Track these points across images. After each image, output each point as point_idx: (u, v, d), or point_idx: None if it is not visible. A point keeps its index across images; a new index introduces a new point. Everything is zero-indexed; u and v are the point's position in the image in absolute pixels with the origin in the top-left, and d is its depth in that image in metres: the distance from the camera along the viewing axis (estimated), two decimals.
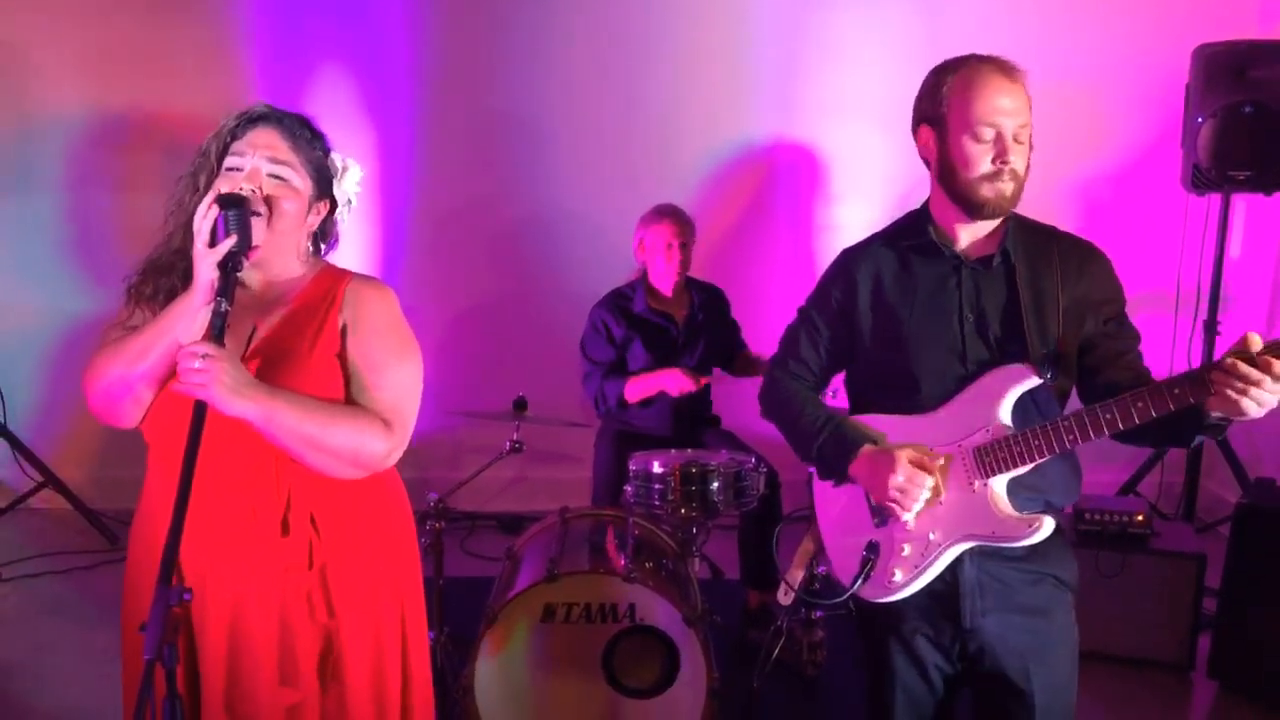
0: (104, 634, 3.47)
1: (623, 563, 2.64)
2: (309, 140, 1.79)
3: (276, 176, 1.73)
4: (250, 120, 1.75)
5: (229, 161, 1.73)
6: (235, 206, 1.62)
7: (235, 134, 1.74)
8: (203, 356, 1.53)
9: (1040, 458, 1.77)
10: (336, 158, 1.86)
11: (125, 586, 1.79)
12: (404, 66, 4.64)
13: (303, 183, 1.77)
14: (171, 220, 1.78)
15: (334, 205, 1.88)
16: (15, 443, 4.45)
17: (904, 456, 1.83)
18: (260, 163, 1.72)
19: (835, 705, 3.17)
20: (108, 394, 1.69)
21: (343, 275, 1.85)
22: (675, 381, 3.54)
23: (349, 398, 1.75)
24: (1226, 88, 3.91)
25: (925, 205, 1.94)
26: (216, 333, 1.57)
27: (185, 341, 1.61)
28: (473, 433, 4.54)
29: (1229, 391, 1.55)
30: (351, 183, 1.89)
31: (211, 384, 1.52)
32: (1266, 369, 1.52)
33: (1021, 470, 1.80)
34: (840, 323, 1.99)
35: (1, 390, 4.47)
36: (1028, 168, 1.82)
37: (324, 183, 1.83)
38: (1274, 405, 1.56)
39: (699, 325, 3.75)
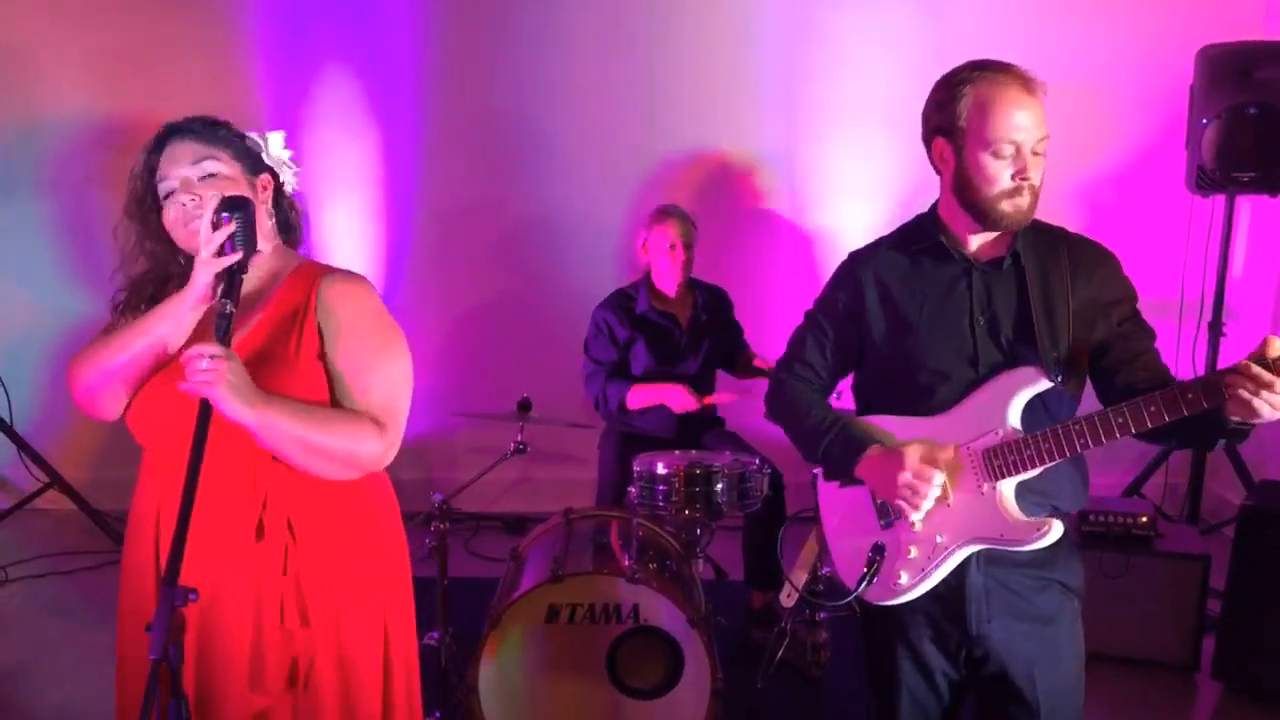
0: (108, 634, 3.42)
1: (627, 564, 2.64)
2: (212, 129, 1.79)
3: (207, 175, 1.73)
4: (159, 146, 1.76)
5: (161, 189, 1.74)
6: (240, 209, 1.63)
7: (151, 164, 1.75)
8: (210, 357, 1.53)
9: (1050, 461, 1.76)
10: (253, 135, 1.85)
11: (121, 588, 1.79)
12: (407, 69, 4.65)
13: (230, 167, 1.77)
14: (125, 256, 1.81)
15: (276, 178, 1.86)
16: (21, 443, 4.46)
17: (912, 453, 1.82)
18: (184, 171, 1.72)
19: (838, 706, 3.17)
20: (87, 385, 1.72)
21: (315, 274, 1.81)
22: (679, 398, 3.54)
23: (334, 399, 1.73)
24: (1231, 89, 3.91)
25: (934, 209, 1.93)
26: (222, 334, 1.57)
27: (171, 343, 1.64)
28: (477, 434, 4.54)
29: (1242, 393, 1.55)
30: (277, 147, 1.86)
31: (217, 383, 1.52)
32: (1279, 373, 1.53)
33: (1030, 474, 1.78)
34: (847, 326, 1.98)
35: (7, 391, 4.48)
36: (1041, 178, 1.81)
37: (251, 159, 1.82)
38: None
39: (702, 326, 3.75)
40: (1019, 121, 1.74)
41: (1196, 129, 4.02)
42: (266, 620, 1.70)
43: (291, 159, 1.90)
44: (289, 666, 1.73)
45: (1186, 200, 4.32)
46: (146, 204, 1.77)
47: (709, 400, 3.62)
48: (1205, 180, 4.02)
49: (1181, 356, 4.24)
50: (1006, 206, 1.78)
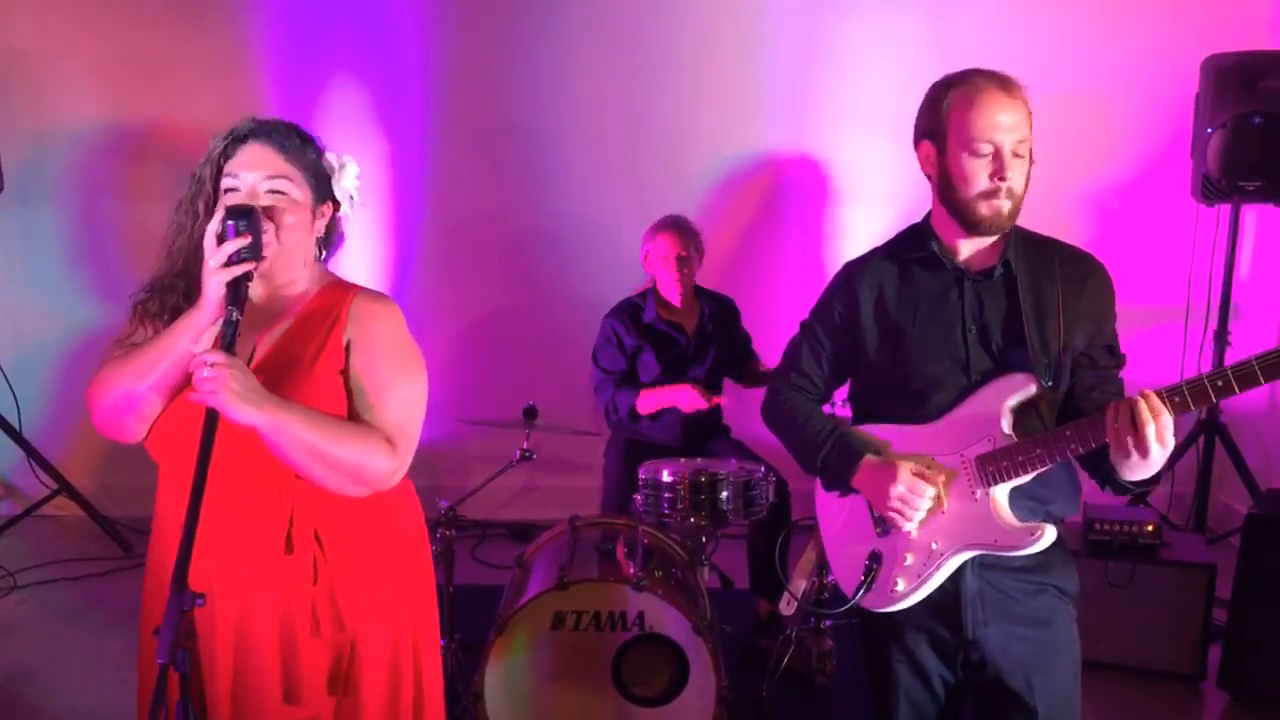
0: (117, 640, 3.49)
1: (632, 571, 2.65)
2: (299, 147, 1.77)
3: (275, 191, 1.72)
4: (238, 139, 1.73)
5: (225, 183, 1.72)
6: (245, 217, 1.63)
7: (227, 154, 1.72)
8: (211, 365, 1.53)
9: (1041, 466, 1.78)
10: (331, 157, 1.84)
11: (144, 595, 1.80)
12: (416, 77, 4.67)
13: (302, 193, 1.76)
14: (174, 245, 1.77)
15: (337, 205, 1.86)
16: (29, 450, 4.48)
17: (905, 467, 1.85)
18: (257, 181, 1.71)
19: (844, 714, 3.17)
20: (113, 409, 1.69)
21: (348, 290, 1.83)
22: (688, 398, 3.55)
23: (352, 415, 1.74)
24: (1236, 98, 3.91)
25: (927, 219, 1.95)
26: (227, 342, 1.57)
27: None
28: (483, 441, 4.52)
29: (1113, 425, 1.64)
30: (350, 179, 1.86)
31: (220, 390, 1.52)
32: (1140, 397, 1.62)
33: (1023, 479, 1.81)
34: (843, 335, 2.00)
35: (16, 397, 4.50)
36: (1027, 183, 1.82)
37: (323, 186, 1.81)
38: (1150, 436, 1.61)
39: (709, 335, 3.76)
40: (997, 121, 1.77)
41: (1202, 138, 4.02)
42: (299, 631, 1.71)
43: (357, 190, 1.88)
44: (329, 673, 1.75)
45: (1192, 209, 4.32)
46: (207, 187, 1.72)
47: (717, 400, 3.62)
48: (1210, 189, 4.03)
49: (1188, 365, 4.24)
50: (984, 209, 1.80)
